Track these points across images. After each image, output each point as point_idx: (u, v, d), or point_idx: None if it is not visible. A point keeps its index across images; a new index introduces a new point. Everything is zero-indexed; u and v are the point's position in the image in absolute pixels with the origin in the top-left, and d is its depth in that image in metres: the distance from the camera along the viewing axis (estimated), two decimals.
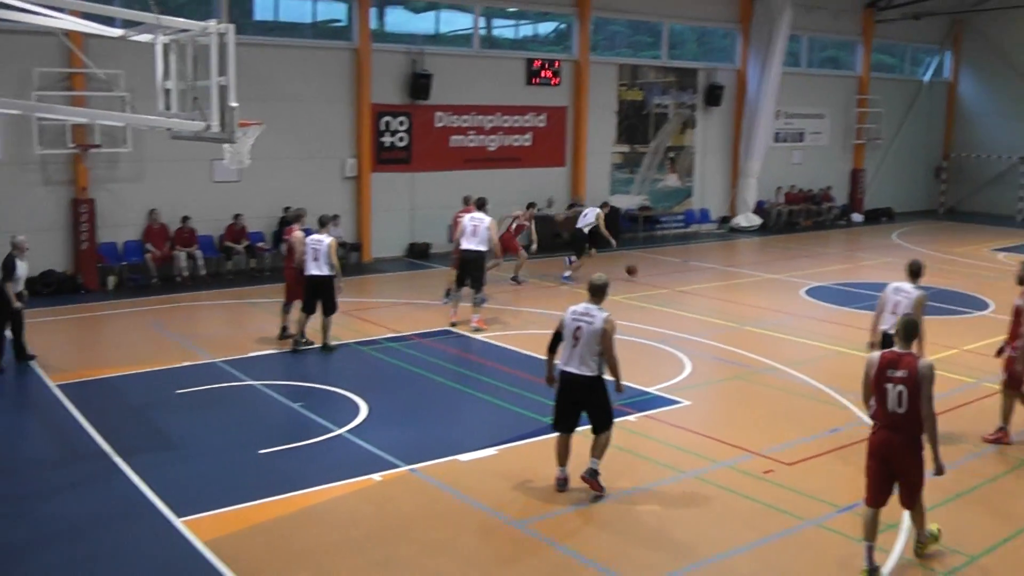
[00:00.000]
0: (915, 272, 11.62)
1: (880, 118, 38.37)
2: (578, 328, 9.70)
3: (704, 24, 32.70)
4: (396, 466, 10.63)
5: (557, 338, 9.90)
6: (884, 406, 8.17)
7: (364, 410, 12.47)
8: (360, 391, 13.23)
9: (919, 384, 8.03)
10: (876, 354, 8.34)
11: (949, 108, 42.10)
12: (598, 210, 22.67)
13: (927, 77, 41.08)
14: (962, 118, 41.84)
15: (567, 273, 22.26)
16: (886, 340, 11.31)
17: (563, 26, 29.15)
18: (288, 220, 19.44)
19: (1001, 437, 11.63)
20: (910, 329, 8.27)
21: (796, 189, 35.28)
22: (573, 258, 22.49)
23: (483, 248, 17.48)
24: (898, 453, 8.10)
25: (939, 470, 8.20)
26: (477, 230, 17.49)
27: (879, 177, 39.32)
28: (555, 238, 27.06)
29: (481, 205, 18.12)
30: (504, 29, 28.72)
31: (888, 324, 11.49)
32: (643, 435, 11.48)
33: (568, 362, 9.77)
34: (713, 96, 32.30)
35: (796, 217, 34.81)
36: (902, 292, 11.55)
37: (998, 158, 40.05)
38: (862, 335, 14.49)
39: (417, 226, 26.42)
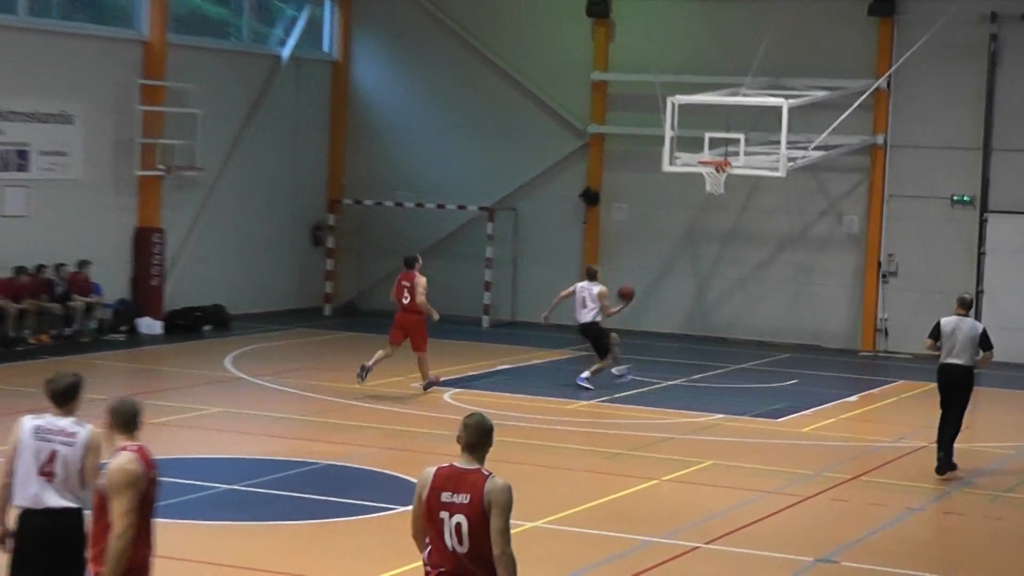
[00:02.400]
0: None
1: (194, 127, 35.60)
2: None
3: None
4: None
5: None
6: (441, 543, 9.91)
7: None
8: None
9: (486, 513, 9.73)
10: (432, 469, 10.37)
11: (336, 111, 40.82)
12: (601, 286, 29.63)
13: (286, 50, 39.11)
14: (365, 131, 40.77)
15: (584, 374, 28.72)
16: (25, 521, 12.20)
17: None
18: None
19: None
20: (483, 437, 10.07)
21: (15, 270, 32.78)
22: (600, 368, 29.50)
23: None
24: None
25: None
26: None
27: (203, 247, 36.98)
28: None
29: None
30: None
31: (20, 500, 11.90)
32: None
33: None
34: None
35: (17, 326, 32.28)
36: (55, 437, 11.59)
37: (440, 207, 39.11)
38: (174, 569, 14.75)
39: None
